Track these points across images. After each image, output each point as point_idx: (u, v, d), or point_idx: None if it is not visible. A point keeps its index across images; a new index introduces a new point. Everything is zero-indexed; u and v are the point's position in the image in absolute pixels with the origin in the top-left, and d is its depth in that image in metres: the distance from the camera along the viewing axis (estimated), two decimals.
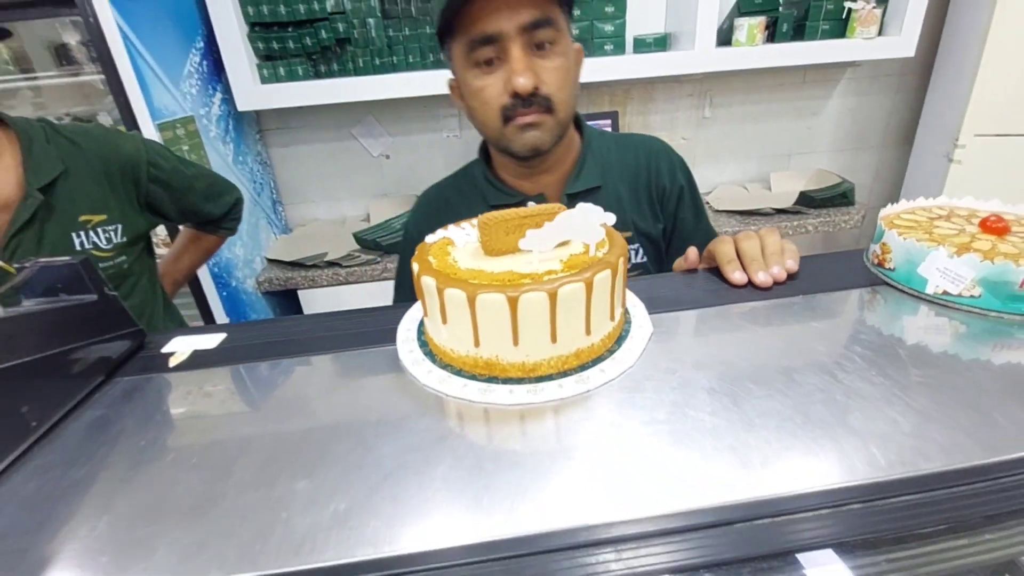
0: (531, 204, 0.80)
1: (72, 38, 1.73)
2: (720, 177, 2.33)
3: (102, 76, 1.38)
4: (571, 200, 0.81)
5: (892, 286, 0.54)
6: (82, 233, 0.93)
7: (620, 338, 0.48)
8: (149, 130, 1.39)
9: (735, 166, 2.33)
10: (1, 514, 0.35)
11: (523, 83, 0.67)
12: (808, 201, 1.96)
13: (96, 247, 0.96)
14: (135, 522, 0.34)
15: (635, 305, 0.53)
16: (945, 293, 0.49)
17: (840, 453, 0.34)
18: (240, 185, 1.83)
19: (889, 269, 0.54)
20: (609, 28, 1.81)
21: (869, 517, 0.31)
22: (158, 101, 1.43)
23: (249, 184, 1.91)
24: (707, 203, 2.15)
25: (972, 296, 0.48)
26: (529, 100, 0.69)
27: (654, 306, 0.54)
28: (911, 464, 0.33)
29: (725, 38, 1.91)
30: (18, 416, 0.39)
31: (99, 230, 0.95)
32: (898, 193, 2.36)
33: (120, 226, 0.97)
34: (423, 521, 0.32)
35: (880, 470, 0.33)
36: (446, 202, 0.88)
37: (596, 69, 1.82)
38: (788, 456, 0.34)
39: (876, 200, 2.46)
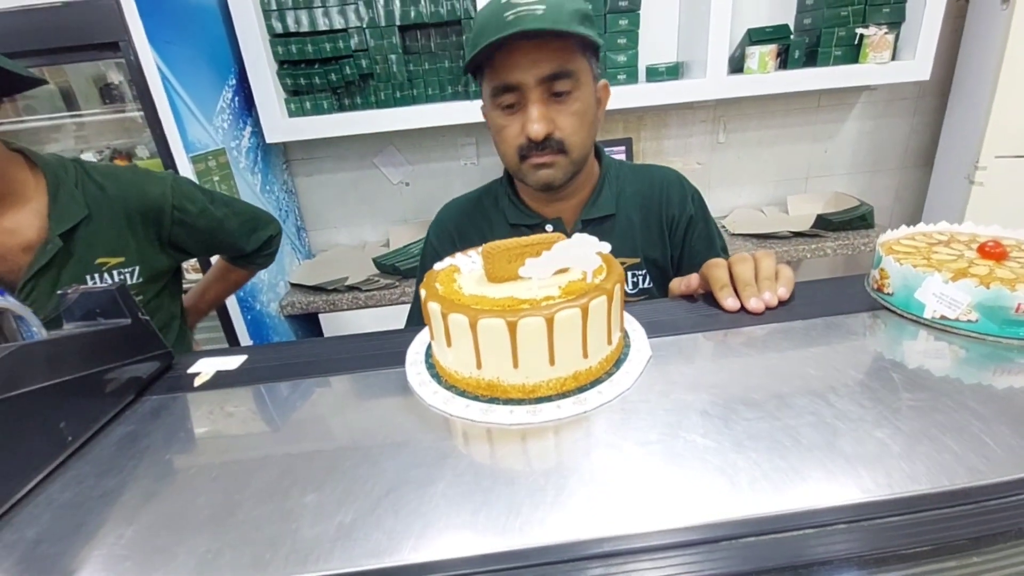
0: (548, 228, 0.84)
1: (116, 77, 1.85)
2: (737, 201, 2.34)
3: (142, 112, 1.47)
4: (585, 226, 0.85)
5: (891, 311, 0.55)
6: (96, 275, 0.94)
7: (619, 361, 0.50)
8: (183, 162, 1.48)
9: (752, 190, 2.33)
10: (37, 521, 0.38)
11: (536, 131, 0.72)
12: (826, 224, 1.95)
13: None
14: (158, 531, 0.36)
15: (635, 329, 0.55)
16: (943, 318, 0.50)
17: (828, 474, 0.35)
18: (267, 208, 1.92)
19: (888, 294, 0.55)
20: (622, 58, 1.86)
21: (855, 537, 0.32)
22: (192, 135, 1.51)
23: (275, 211, 1.99)
24: (723, 227, 2.15)
25: (969, 320, 0.48)
26: (543, 144, 0.74)
27: (654, 330, 0.55)
28: (899, 486, 0.34)
29: (737, 66, 1.95)
30: (57, 430, 0.43)
31: (114, 272, 0.96)
32: (919, 215, 2.33)
33: (138, 267, 0.98)
34: (423, 534, 0.34)
35: (867, 491, 0.34)
36: (468, 217, 0.92)
37: (610, 97, 1.86)
38: (776, 477, 0.35)
39: (897, 223, 2.41)
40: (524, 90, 0.72)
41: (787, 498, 0.34)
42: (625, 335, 0.54)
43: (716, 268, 0.61)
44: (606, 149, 2.18)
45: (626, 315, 0.56)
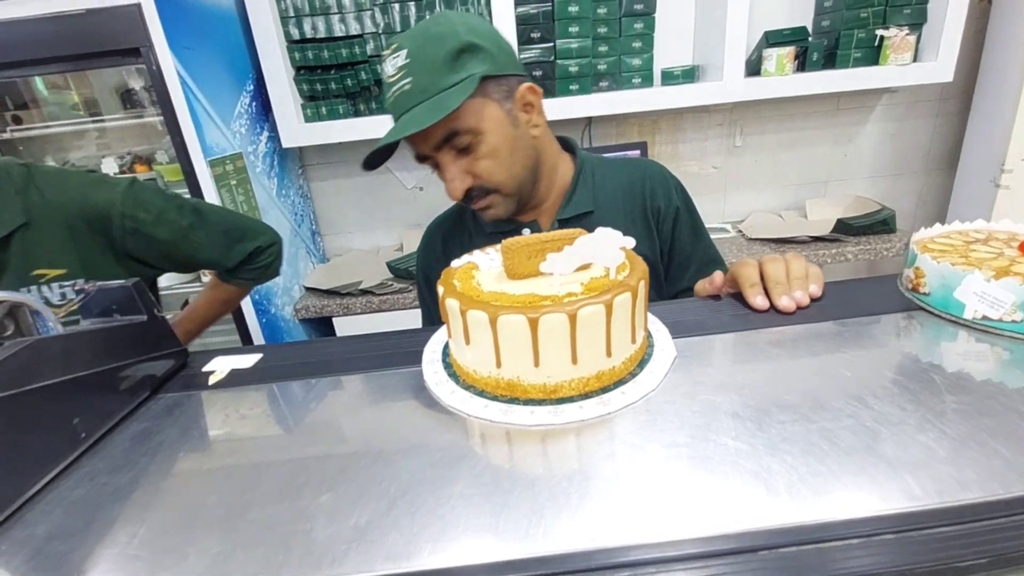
0: (525, 231, 0.82)
1: (136, 83, 1.88)
2: (754, 205, 2.30)
3: (161, 118, 1.49)
4: (562, 225, 0.82)
5: (928, 311, 0.52)
6: (33, 288, 0.88)
7: (643, 361, 0.48)
8: (201, 166, 1.49)
9: (769, 194, 2.30)
10: (49, 517, 0.37)
11: (454, 193, 0.73)
12: (846, 228, 1.91)
13: (47, 302, 0.89)
14: (170, 530, 0.35)
15: (659, 329, 0.53)
16: (984, 318, 0.47)
17: (871, 480, 0.33)
18: (282, 217, 1.93)
19: (924, 294, 0.53)
20: (637, 62, 1.85)
21: (902, 548, 0.30)
22: (210, 140, 1.53)
23: (291, 216, 2.00)
24: (739, 231, 2.12)
25: (1014, 321, 0.46)
26: (470, 195, 0.74)
27: (678, 331, 0.54)
28: (948, 494, 0.32)
29: (754, 68, 1.92)
30: (70, 427, 0.42)
31: (53, 285, 0.89)
32: (943, 219, 2.27)
33: (81, 280, 0.90)
34: (441, 537, 0.32)
35: (914, 499, 0.32)
36: (449, 232, 0.91)
37: (625, 101, 1.85)
38: (814, 482, 0.33)
39: (920, 227, 2.36)
40: (432, 157, 0.73)
41: (828, 505, 0.32)
42: (648, 335, 0.52)
43: (745, 267, 0.60)
44: (621, 153, 2.13)
45: (649, 315, 0.54)
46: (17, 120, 1.82)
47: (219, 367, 0.56)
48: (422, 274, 0.94)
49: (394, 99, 0.69)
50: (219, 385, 0.54)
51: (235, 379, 0.54)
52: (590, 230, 0.47)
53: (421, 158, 0.74)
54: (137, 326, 0.51)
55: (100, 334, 0.47)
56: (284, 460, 0.41)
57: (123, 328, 0.50)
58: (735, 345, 0.52)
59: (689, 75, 1.87)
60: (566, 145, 0.89)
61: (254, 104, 1.82)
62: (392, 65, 0.68)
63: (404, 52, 0.67)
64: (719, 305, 0.61)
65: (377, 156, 0.72)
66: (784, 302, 0.54)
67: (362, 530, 0.33)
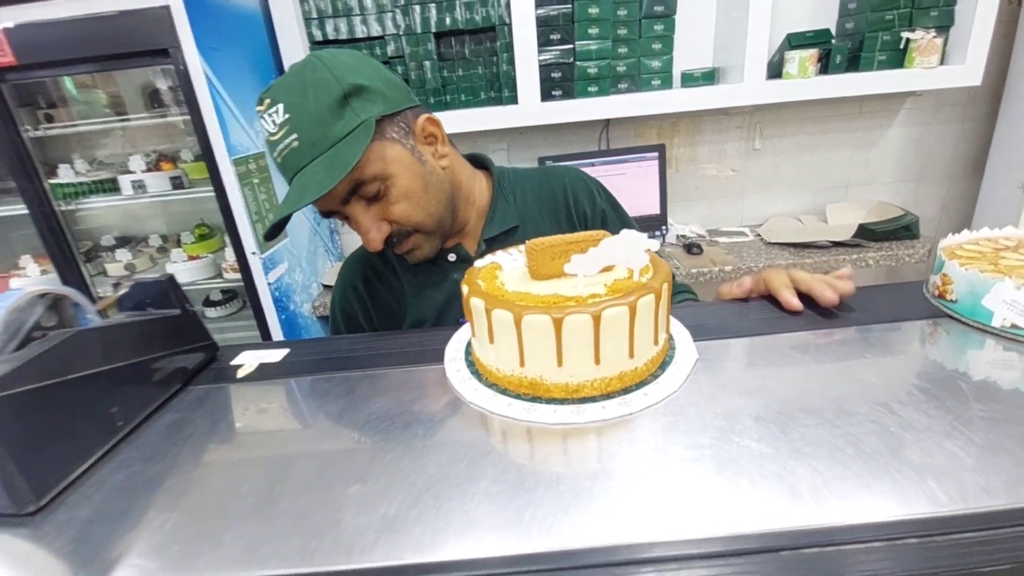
0: (451, 256, 0.79)
1: (162, 84, 1.93)
2: (772, 209, 2.28)
3: (184, 117, 1.53)
4: (488, 245, 0.79)
5: (954, 319, 0.52)
6: None
7: (664, 363, 0.48)
8: (225, 165, 1.52)
9: (789, 198, 2.27)
10: (89, 502, 0.39)
11: (373, 243, 0.68)
12: (868, 234, 1.88)
13: None
14: (204, 516, 0.37)
15: (680, 332, 0.54)
16: (1014, 326, 0.47)
17: (895, 485, 0.33)
18: (301, 216, 1.96)
19: (951, 301, 0.52)
20: (657, 64, 1.84)
21: (925, 553, 0.30)
22: (234, 139, 1.56)
23: (310, 214, 2.03)
24: (758, 235, 2.10)
25: None
26: (391, 240, 0.70)
27: (699, 334, 0.54)
28: (973, 500, 0.32)
29: (775, 71, 1.90)
30: (109, 415, 0.44)
31: None
32: (968, 225, 2.23)
33: None
34: (466, 531, 0.33)
35: (938, 505, 0.32)
36: (370, 267, 0.85)
37: (644, 103, 1.85)
38: (839, 487, 0.34)
39: (944, 233, 2.32)
40: (338, 211, 0.68)
41: (851, 509, 0.32)
42: (670, 337, 0.52)
43: (776, 272, 0.61)
44: (636, 155, 2.11)
45: (671, 318, 0.55)
46: (49, 118, 1.87)
47: (247, 361, 0.57)
48: (339, 310, 0.87)
49: (282, 158, 0.63)
50: (248, 379, 0.55)
51: (263, 373, 0.56)
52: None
53: (327, 214, 0.69)
54: (171, 319, 0.53)
55: (136, 327, 0.49)
56: (312, 452, 0.43)
57: (157, 321, 0.52)
58: (758, 349, 0.52)
59: (709, 77, 1.86)
60: (478, 163, 0.85)
61: None
62: (271, 122, 0.62)
63: (280, 107, 0.61)
64: (741, 308, 0.61)
65: (279, 225, 0.65)
66: (828, 296, 0.55)
67: (390, 520, 0.34)
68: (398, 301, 0.82)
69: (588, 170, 2.19)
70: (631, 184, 2.03)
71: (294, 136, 0.61)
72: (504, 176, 0.85)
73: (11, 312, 0.41)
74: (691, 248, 1.94)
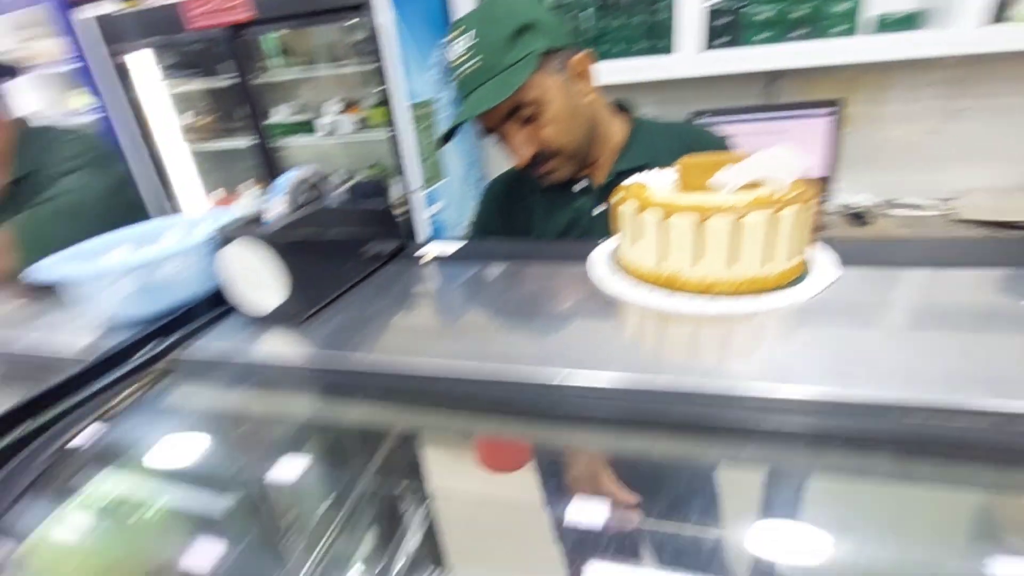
0: (580, 185, 0.87)
1: (349, 38, 2.19)
2: (973, 181, 1.95)
3: (373, 66, 1.75)
4: (619, 177, 0.80)
5: None
6: None
7: (799, 278, 0.51)
8: (403, 110, 1.73)
9: (995, 169, 1.92)
10: (337, 317, 0.55)
11: (522, 158, 0.80)
12: None
13: None
14: (413, 329, 0.50)
15: (829, 259, 0.55)
16: None
17: None
18: (456, 161, 2.15)
19: None
20: (840, 8, 1.65)
21: None
22: (413, 86, 1.76)
23: (462, 162, 2.22)
24: (952, 209, 1.83)
25: None
26: (535, 160, 0.80)
27: (858, 260, 0.53)
28: None
29: (998, 14, 1.60)
30: (343, 270, 0.60)
31: None
32: None
33: None
34: (599, 366, 0.42)
35: None
36: (510, 187, 0.97)
37: (820, 53, 1.68)
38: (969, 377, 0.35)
39: None
40: (498, 128, 0.79)
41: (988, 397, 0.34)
42: (808, 263, 0.54)
43: None
44: (804, 112, 1.94)
45: (823, 248, 0.56)
46: (263, 69, 2.25)
47: (428, 251, 0.71)
48: (478, 228, 1.02)
49: (463, 78, 0.76)
50: (428, 265, 0.69)
51: (440, 261, 0.69)
52: None
53: (486, 131, 0.81)
54: (381, 211, 0.68)
55: (363, 210, 0.65)
56: (480, 313, 0.54)
57: (371, 212, 0.67)
58: (911, 278, 0.51)
59: (910, 21, 1.63)
60: (622, 106, 0.92)
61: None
62: (461, 46, 0.75)
63: (472, 33, 0.73)
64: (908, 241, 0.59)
65: (452, 133, 0.80)
66: None
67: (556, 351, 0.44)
68: (528, 220, 0.94)
69: (746, 127, 2.06)
70: (793, 144, 1.88)
71: (479, 58, 0.74)
72: (642, 122, 0.92)
73: (294, 181, 0.58)
74: (857, 218, 1.77)
